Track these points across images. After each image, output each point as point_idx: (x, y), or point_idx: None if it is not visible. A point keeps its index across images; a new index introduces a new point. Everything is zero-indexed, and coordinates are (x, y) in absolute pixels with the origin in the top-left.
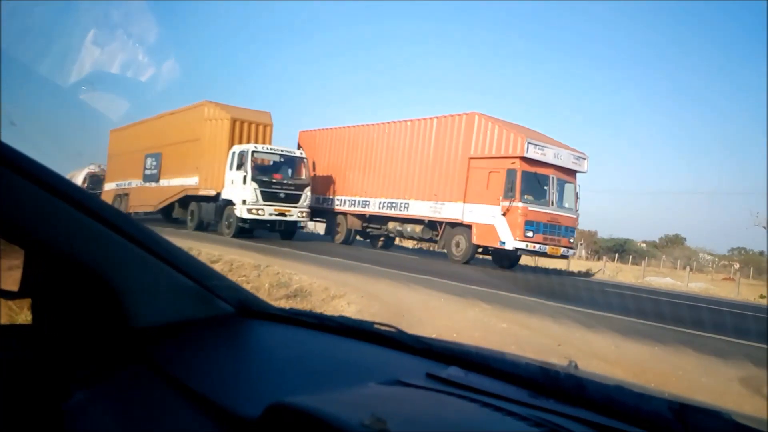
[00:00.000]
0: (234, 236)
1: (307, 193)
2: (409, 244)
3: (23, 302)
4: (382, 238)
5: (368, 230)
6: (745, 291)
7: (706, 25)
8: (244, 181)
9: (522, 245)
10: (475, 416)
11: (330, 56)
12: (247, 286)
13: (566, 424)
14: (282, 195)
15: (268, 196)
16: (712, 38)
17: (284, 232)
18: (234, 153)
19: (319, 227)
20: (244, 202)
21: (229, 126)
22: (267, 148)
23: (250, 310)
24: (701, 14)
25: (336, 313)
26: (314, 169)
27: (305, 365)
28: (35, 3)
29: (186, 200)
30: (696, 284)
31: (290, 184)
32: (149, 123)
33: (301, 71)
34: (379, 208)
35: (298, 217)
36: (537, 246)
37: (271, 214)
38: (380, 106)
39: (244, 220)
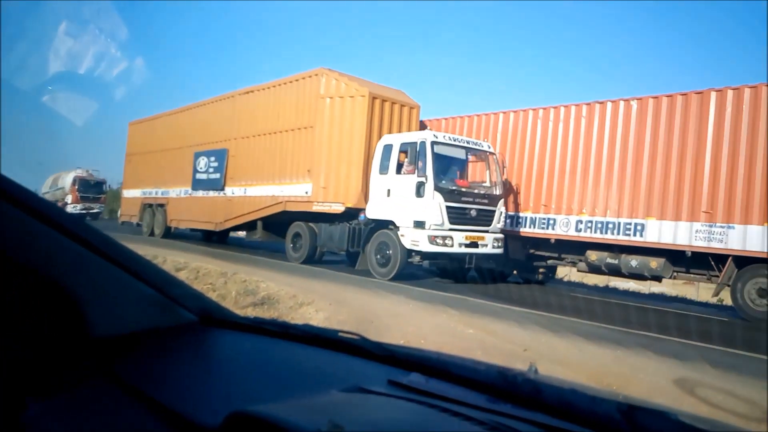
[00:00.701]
0: (394, 279)
1: (501, 209)
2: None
3: None
4: (541, 271)
5: (546, 260)
6: (704, 294)
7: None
8: (419, 191)
9: None
10: (432, 421)
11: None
12: (213, 294)
13: (522, 427)
14: (473, 213)
15: (456, 216)
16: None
17: (461, 272)
18: (390, 147)
19: None
20: (420, 225)
21: (367, 106)
22: (449, 138)
23: (212, 318)
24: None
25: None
26: (504, 172)
27: (268, 373)
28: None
29: (281, 218)
30: (658, 288)
31: (483, 196)
32: (202, 109)
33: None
34: (576, 230)
35: (493, 248)
36: None
37: (461, 245)
38: None
39: (419, 255)
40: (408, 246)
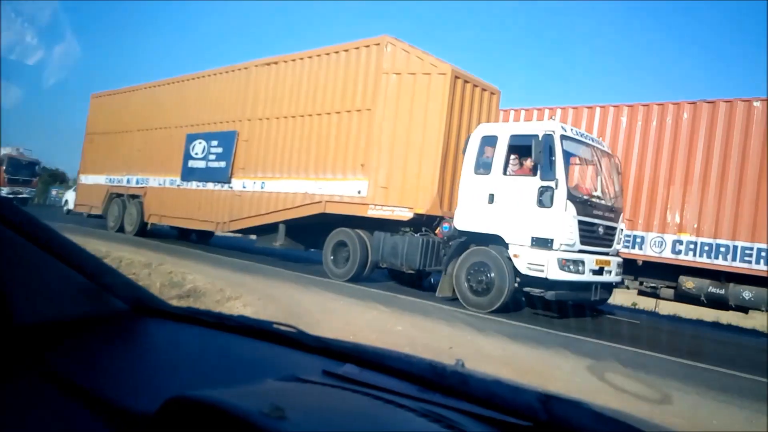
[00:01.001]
0: (496, 310)
1: (621, 225)
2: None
3: None
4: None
5: (628, 286)
6: (620, 297)
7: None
8: (542, 200)
9: None
10: (366, 408)
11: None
12: None
13: (450, 415)
14: (600, 231)
15: (586, 234)
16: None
17: (584, 305)
18: (492, 139)
19: None
20: (543, 243)
21: (449, 87)
22: (576, 133)
23: (146, 307)
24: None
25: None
26: (619, 179)
27: (202, 363)
28: None
29: (310, 221)
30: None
31: (611, 209)
32: (199, 82)
33: None
34: (674, 251)
35: (616, 275)
36: None
37: (590, 271)
38: None
39: (541, 283)
40: (523, 270)
